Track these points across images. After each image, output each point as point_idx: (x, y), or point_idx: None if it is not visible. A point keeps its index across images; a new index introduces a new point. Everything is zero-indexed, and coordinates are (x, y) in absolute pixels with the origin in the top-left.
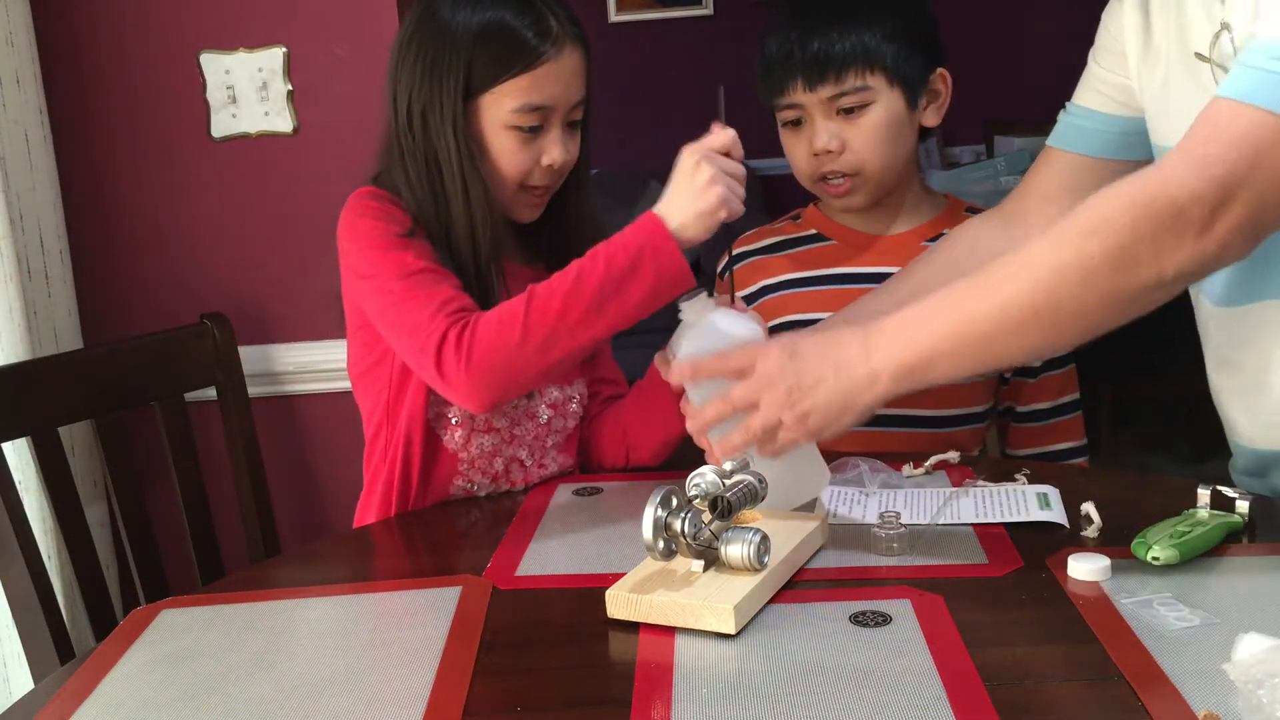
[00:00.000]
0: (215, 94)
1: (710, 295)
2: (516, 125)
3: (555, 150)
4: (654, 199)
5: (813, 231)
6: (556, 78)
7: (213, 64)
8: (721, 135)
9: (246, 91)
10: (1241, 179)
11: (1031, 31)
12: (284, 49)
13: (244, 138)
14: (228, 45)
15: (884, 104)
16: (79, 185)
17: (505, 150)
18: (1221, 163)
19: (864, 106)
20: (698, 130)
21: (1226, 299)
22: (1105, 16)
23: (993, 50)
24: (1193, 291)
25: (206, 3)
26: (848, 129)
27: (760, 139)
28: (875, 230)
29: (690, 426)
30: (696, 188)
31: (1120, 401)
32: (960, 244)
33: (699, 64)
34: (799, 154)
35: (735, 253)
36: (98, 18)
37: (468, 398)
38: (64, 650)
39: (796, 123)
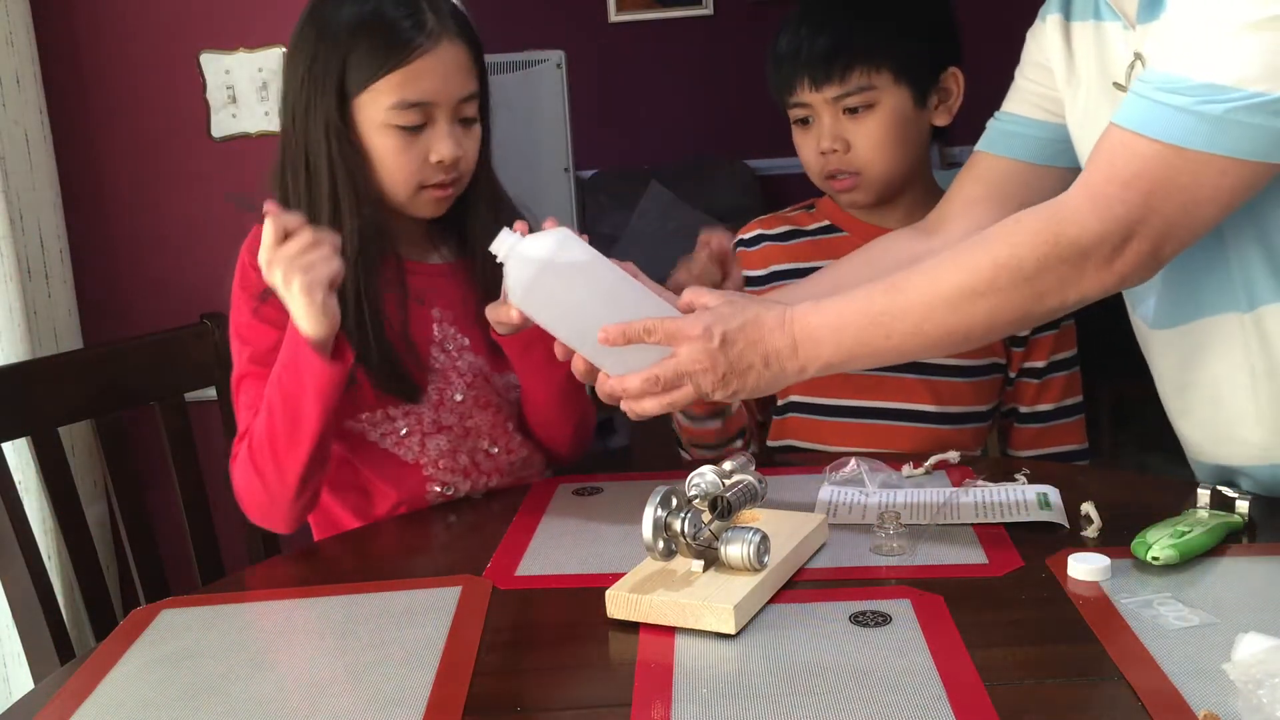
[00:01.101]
0: (215, 94)
1: (510, 229)
2: (396, 124)
3: (443, 145)
4: (655, 198)
5: (826, 223)
6: (435, 72)
7: (213, 64)
8: (265, 235)
9: (246, 91)
10: (1140, 217)
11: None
12: (284, 49)
13: (244, 138)
14: (228, 45)
15: (889, 103)
16: (79, 185)
17: (389, 151)
18: (1121, 203)
19: (869, 106)
20: (697, 130)
21: (1162, 322)
22: (1029, 36)
23: (993, 50)
24: (1131, 314)
25: (206, 3)
26: (852, 128)
27: (760, 139)
28: (887, 225)
29: (607, 387)
30: (285, 297)
31: (1120, 401)
32: (877, 250)
33: (699, 64)
34: (807, 151)
35: (748, 235)
36: (98, 18)
37: (279, 530)
38: (64, 650)
39: (805, 121)
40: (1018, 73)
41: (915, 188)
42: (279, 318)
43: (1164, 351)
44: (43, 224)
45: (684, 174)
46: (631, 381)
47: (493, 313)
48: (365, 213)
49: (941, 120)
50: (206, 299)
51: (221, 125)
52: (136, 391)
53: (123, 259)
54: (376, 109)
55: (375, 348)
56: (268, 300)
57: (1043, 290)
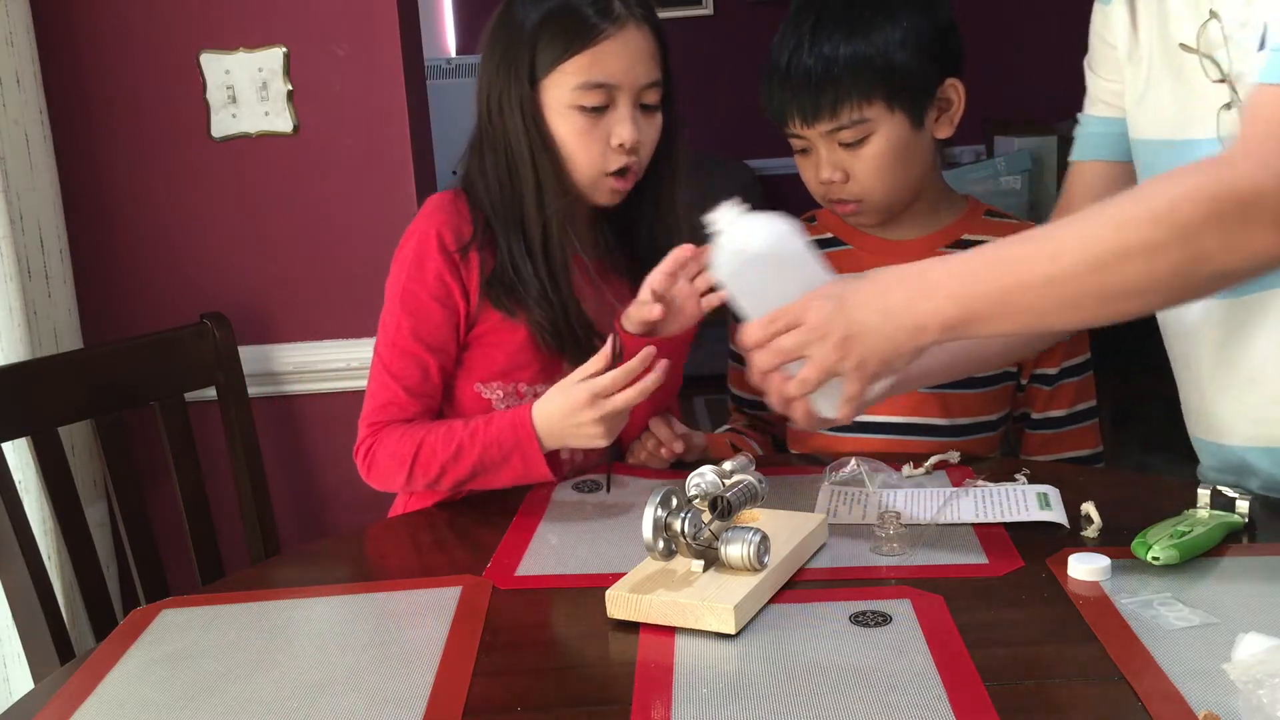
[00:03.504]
0: (215, 94)
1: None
2: (580, 105)
3: (623, 129)
4: None
5: (829, 235)
6: (618, 55)
7: (213, 64)
8: (611, 377)
9: (246, 91)
10: None
11: (1031, 31)
12: (284, 49)
13: (244, 138)
14: (228, 45)
15: (885, 131)
16: (79, 185)
17: (572, 133)
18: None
19: (865, 137)
20: (697, 130)
21: (1235, 291)
22: (1094, 22)
23: (992, 50)
24: None
25: (206, 3)
26: (850, 159)
27: (761, 139)
28: (892, 235)
29: (756, 373)
30: (578, 424)
31: (1120, 401)
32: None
33: (699, 64)
34: (808, 178)
35: None
36: (98, 18)
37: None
38: (64, 650)
39: (804, 150)
40: (1088, 69)
41: (924, 197)
42: (450, 299)
43: (1220, 326)
44: (43, 224)
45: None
46: (753, 331)
47: (637, 310)
48: (566, 192)
49: (944, 132)
50: (206, 299)
51: (221, 125)
52: (136, 391)
53: (123, 259)
54: (562, 90)
55: (575, 324)
56: (465, 258)
57: (1205, 251)
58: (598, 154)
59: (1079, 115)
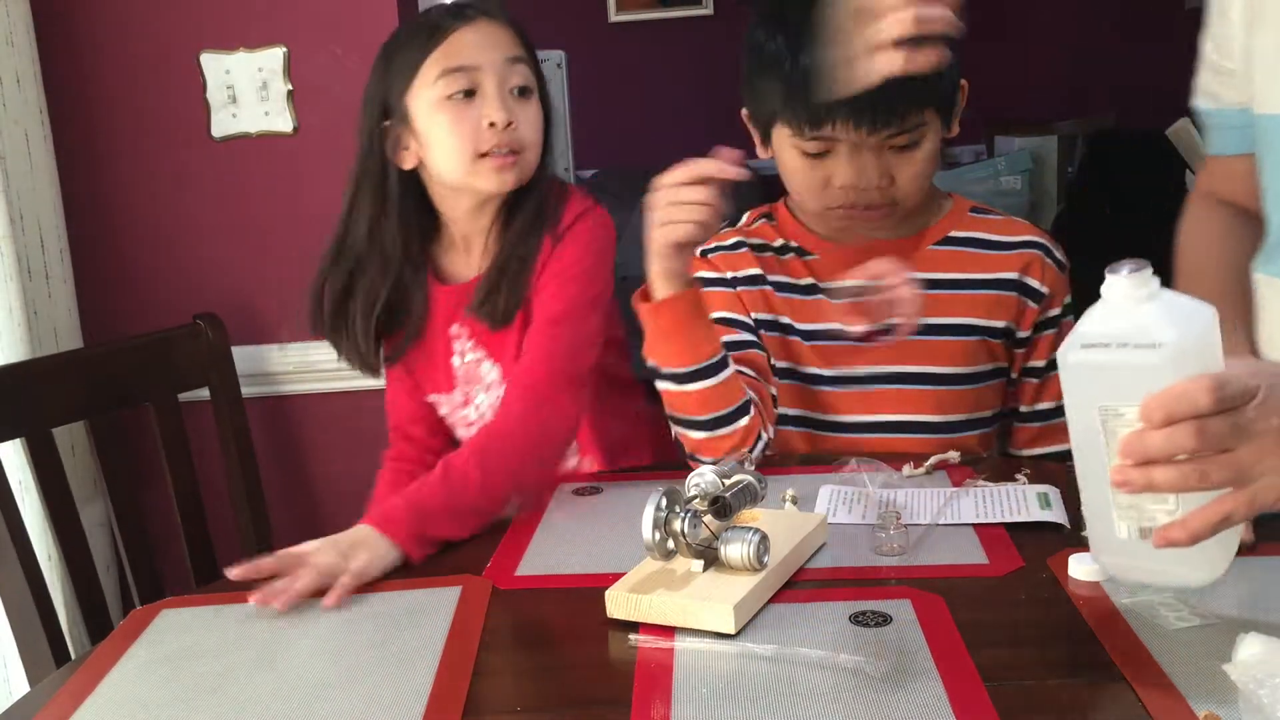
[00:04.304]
0: (215, 94)
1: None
2: (447, 95)
3: (492, 109)
4: None
5: (780, 242)
6: (473, 42)
7: (213, 64)
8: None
9: (246, 91)
10: None
11: (1031, 31)
12: (284, 49)
13: (244, 138)
14: (228, 45)
15: (933, 134)
16: (79, 185)
17: (446, 123)
18: None
19: (917, 141)
20: (697, 130)
21: None
22: (1212, 8)
23: (992, 50)
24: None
25: (206, 3)
26: (898, 164)
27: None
28: (883, 235)
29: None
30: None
31: None
32: (1210, 241)
33: (699, 64)
34: (814, 183)
35: (729, 241)
36: (98, 18)
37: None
38: (59, 652)
39: (821, 154)
40: (1210, 50)
41: None
42: None
43: None
44: (43, 224)
45: None
46: (1202, 396)
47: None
48: (406, 220)
49: (953, 130)
50: (207, 299)
51: (221, 125)
52: (131, 392)
53: (123, 259)
54: (426, 89)
55: (359, 329)
56: None
57: None
58: (469, 136)
59: (1212, 110)
